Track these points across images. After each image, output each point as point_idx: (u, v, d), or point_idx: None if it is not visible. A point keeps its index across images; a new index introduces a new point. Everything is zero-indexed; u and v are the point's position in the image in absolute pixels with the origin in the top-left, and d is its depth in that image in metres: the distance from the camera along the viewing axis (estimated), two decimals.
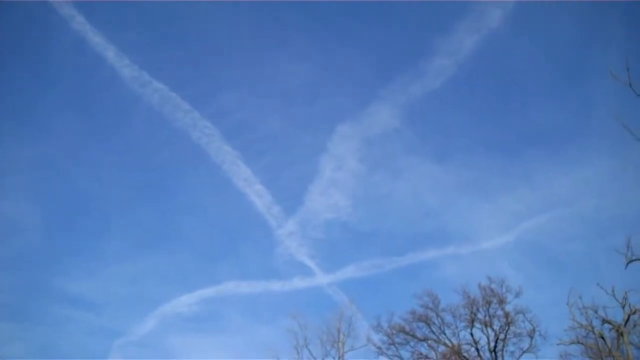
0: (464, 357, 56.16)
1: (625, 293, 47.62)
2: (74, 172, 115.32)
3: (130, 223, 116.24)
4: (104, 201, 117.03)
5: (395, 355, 59.42)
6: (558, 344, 52.06)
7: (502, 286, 56.70)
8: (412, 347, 59.44)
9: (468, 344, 56.87)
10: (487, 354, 55.44)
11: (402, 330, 59.45)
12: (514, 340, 55.61)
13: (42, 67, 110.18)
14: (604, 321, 49.52)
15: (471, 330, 56.73)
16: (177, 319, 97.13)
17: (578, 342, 51.25)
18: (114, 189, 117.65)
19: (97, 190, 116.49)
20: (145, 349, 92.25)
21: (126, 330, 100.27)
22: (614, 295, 48.34)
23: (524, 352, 55.11)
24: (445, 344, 57.87)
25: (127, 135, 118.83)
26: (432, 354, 58.62)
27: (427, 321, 58.84)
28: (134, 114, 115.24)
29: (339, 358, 60.15)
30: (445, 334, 58.10)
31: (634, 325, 49.26)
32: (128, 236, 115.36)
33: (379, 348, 60.06)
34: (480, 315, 56.29)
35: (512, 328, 55.38)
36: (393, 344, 59.64)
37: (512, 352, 55.42)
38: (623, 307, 47.87)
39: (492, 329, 55.76)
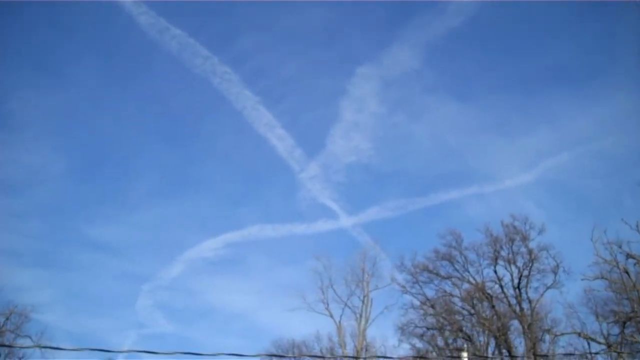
0: (488, 294, 56.42)
1: None
2: (96, 119, 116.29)
3: (153, 169, 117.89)
4: (126, 148, 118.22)
5: (419, 293, 59.98)
6: (582, 280, 52.02)
7: (525, 224, 56.26)
8: (436, 285, 59.83)
9: (492, 281, 56.97)
10: (511, 291, 55.52)
11: (426, 269, 59.78)
12: (538, 276, 55.46)
13: (59, 16, 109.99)
14: (628, 256, 49.17)
15: (495, 267, 56.71)
16: (203, 263, 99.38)
17: (602, 278, 51.05)
18: (136, 136, 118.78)
19: (119, 137, 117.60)
20: (173, 292, 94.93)
21: (154, 275, 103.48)
22: (638, 230, 47.96)
23: (547, 288, 55.02)
24: (469, 282, 58.14)
25: (147, 82, 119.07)
26: (456, 291, 59.06)
27: (450, 260, 58.98)
28: (153, 61, 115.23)
29: (363, 297, 61.06)
30: (469, 272, 58.27)
31: None
32: (151, 182, 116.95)
33: (403, 287, 60.62)
34: (503, 253, 56.19)
35: (535, 265, 55.19)
36: (417, 282, 60.11)
37: (536, 288, 55.35)
38: None
39: (516, 266, 55.68)
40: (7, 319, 47.65)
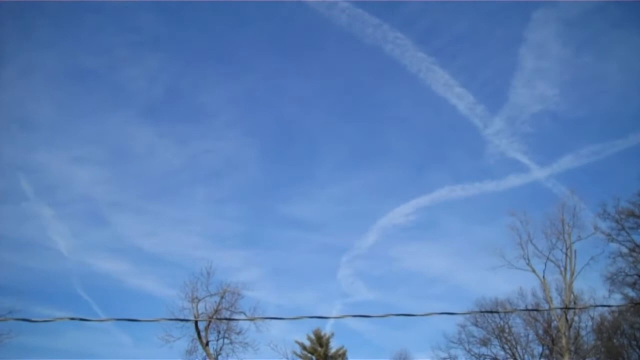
0: None
1: None
2: (278, 102, 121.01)
3: (338, 144, 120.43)
4: (310, 126, 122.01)
5: (627, 240, 56.82)
6: None
7: None
8: None
9: None
10: None
11: (632, 214, 56.47)
12: None
13: (233, 10, 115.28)
14: None
15: None
16: (396, 229, 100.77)
17: None
18: (317, 113, 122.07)
19: (302, 117, 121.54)
20: (371, 260, 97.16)
21: (351, 245, 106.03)
22: None
23: None
24: None
25: (321, 59, 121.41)
26: None
27: None
28: (325, 37, 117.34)
29: (566, 249, 58.98)
30: None
31: None
32: (338, 157, 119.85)
33: (609, 235, 57.72)
34: None
35: None
36: (623, 229, 57.00)
37: None
38: None
39: None
40: (222, 297, 50.73)
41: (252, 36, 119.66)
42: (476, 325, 65.27)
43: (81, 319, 13.41)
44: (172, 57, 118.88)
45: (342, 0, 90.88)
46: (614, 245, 57.36)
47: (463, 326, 65.49)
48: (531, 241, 60.07)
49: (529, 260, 59.69)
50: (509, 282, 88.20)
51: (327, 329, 60.84)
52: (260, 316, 49.92)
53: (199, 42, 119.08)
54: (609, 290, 56.32)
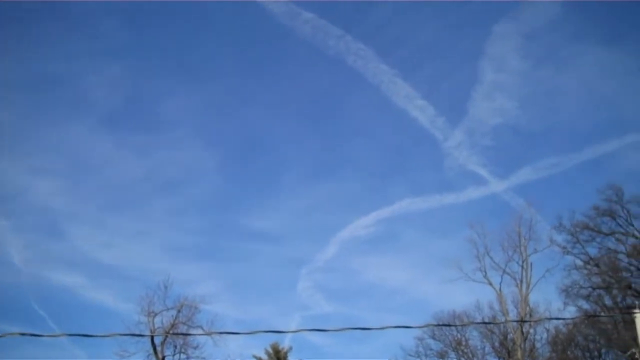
0: None
1: None
2: (240, 112, 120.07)
3: (301, 155, 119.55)
4: (273, 137, 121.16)
5: (582, 253, 57.98)
6: None
7: None
8: (598, 243, 57.63)
9: None
10: None
11: (587, 227, 57.63)
12: None
13: (193, 14, 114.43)
14: None
15: None
16: (356, 242, 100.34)
17: None
18: (280, 124, 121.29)
19: (264, 127, 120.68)
20: (331, 273, 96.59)
21: (311, 258, 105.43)
22: None
23: None
24: (634, 236, 55.47)
25: (285, 69, 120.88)
26: (621, 248, 56.56)
27: (612, 215, 56.49)
28: (289, 47, 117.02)
29: (522, 262, 59.72)
30: (633, 226, 55.58)
31: None
32: (301, 168, 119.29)
33: (564, 247, 58.82)
34: None
35: None
36: (578, 242, 58.13)
37: None
38: None
39: None
40: (179, 311, 50.07)
41: (215, 46, 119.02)
42: (434, 338, 65.61)
43: (32, 335, 12.97)
44: (133, 65, 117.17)
45: (306, 11, 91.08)
46: (569, 258, 58.44)
47: (421, 339, 65.77)
48: (488, 254, 60.82)
49: (486, 272, 60.40)
50: (467, 295, 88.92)
51: (285, 342, 60.48)
52: (217, 330, 49.20)
53: (162, 50, 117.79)
54: (564, 303, 57.25)
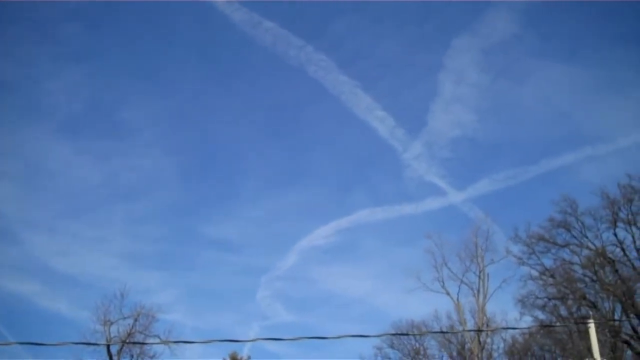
0: (610, 258, 54.58)
1: None
2: (201, 120, 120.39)
3: (261, 164, 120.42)
4: (233, 145, 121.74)
5: (537, 264, 58.72)
6: None
7: None
8: (553, 254, 58.37)
9: (613, 244, 55.02)
10: (634, 253, 53.57)
11: (542, 239, 58.42)
12: None
13: (155, 21, 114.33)
14: None
15: (614, 230, 54.78)
16: (317, 251, 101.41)
17: None
18: (241, 132, 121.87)
19: (225, 135, 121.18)
20: (290, 281, 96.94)
21: (271, 267, 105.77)
22: None
23: None
24: (588, 248, 56.42)
25: (246, 78, 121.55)
26: (576, 259, 57.38)
27: (567, 227, 57.38)
28: (250, 56, 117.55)
29: (479, 272, 60.41)
30: (587, 238, 56.48)
31: None
32: (261, 177, 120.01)
33: (520, 258, 59.54)
34: (622, 215, 54.13)
35: None
36: (534, 253, 58.87)
37: None
38: None
39: (637, 227, 53.63)
40: (136, 320, 49.58)
41: (178, 53, 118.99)
42: (392, 348, 65.93)
43: None
44: (94, 71, 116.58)
45: (267, 20, 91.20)
46: (525, 269, 59.20)
47: (380, 348, 66.04)
48: (446, 264, 61.47)
49: (443, 282, 60.98)
50: (425, 305, 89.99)
51: (244, 352, 60.29)
52: (174, 339, 48.78)
53: (123, 57, 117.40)
54: (520, 313, 57.85)
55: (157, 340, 49.07)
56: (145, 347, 49.92)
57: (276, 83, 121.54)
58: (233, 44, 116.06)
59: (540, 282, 58.44)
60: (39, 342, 13.62)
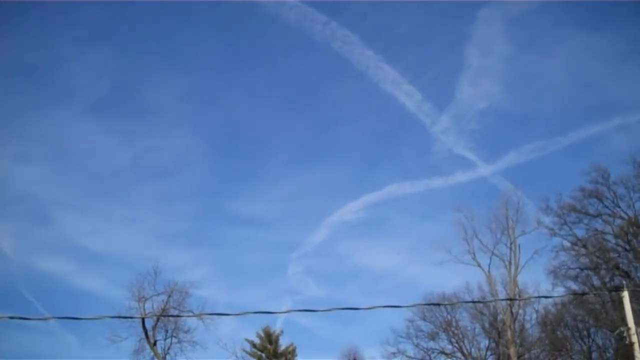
0: None
1: None
2: (226, 98, 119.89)
3: (287, 141, 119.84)
4: (259, 122, 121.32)
5: (569, 234, 58.31)
6: None
7: None
8: (585, 224, 58.00)
9: None
10: None
11: (573, 209, 57.92)
12: None
13: (181, 5, 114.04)
14: None
15: None
16: (346, 226, 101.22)
17: None
18: (266, 110, 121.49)
19: (251, 113, 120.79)
20: (320, 257, 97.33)
21: (300, 243, 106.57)
22: None
23: None
24: (620, 217, 55.82)
25: (271, 56, 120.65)
26: (608, 228, 56.90)
27: (598, 196, 56.80)
28: (274, 34, 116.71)
29: (510, 244, 60.01)
30: (619, 207, 55.91)
31: None
32: (288, 153, 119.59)
33: (551, 229, 59.13)
34: None
35: None
36: (565, 223, 58.45)
37: None
38: None
39: None
40: (170, 296, 50.27)
41: (200, 32, 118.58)
42: (424, 320, 65.92)
43: (21, 318, 13.02)
44: (118, 52, 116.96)
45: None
46: (556, 240, 58.79)
47: (411, 321, 66.07)
48: (476, 236, 61.04)
49: (474, 255, 60.64)
50: (456, 277, 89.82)
51: (276, 326, 60.82)
52: (207, 312, 49.52)
53: (146, 37, 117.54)
54: (552, 284, 57.65)
55: (191, 314, 49.77)
56: (180, 322, 50.72)
57: (301, 60, 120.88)
58: (257, 22, 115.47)
59: (573, 252, 58.08)
60: (74, 316, 13.92)
